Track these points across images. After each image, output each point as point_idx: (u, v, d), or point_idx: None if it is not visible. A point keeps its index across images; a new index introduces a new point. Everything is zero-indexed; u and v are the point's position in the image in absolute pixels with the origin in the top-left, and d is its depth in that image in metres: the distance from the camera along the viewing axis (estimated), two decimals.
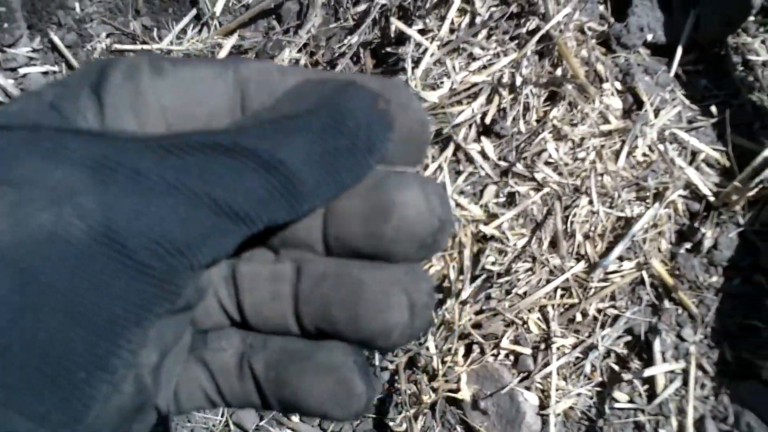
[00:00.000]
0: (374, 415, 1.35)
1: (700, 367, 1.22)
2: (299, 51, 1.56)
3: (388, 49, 1.45)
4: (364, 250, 0.29)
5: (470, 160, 1.29)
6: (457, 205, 1.26)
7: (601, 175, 1.26)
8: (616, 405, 1.22)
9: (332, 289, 0.29)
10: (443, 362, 1.27)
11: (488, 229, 1.24)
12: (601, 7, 1.43)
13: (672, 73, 1.38)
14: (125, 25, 1.62)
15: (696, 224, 1.29)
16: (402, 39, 1.43)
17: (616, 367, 1.24)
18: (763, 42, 1.38)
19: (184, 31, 1.64)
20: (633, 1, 1.40)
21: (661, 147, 1.29)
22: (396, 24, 1.41)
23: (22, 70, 1.58)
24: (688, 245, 1.29)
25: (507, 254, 1.24)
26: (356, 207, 0.29)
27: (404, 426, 1.27)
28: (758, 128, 1.34)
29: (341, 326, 0.30)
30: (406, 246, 0.29)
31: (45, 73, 1.59)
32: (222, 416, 1.40)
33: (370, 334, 0.29)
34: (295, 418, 1.38)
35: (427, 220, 0.29)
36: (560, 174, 1.25)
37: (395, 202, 0.28)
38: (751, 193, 1.27)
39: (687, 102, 1.37)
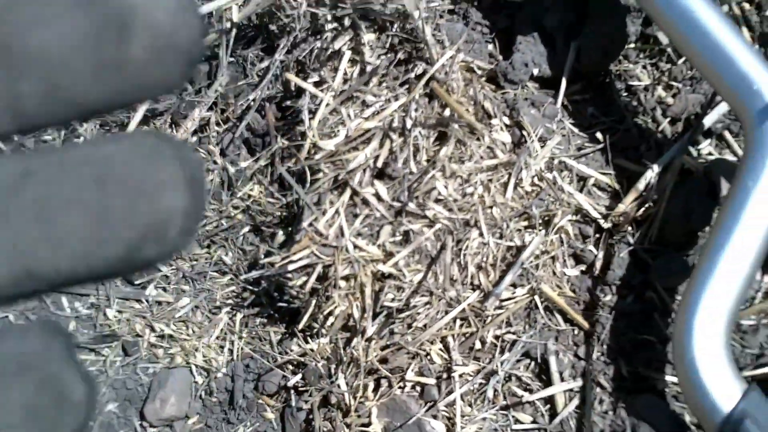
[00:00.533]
0: None
1: (597, 383, 1.27)
2: (209, 109, 1.63)
3: (288, 102, 1.52)
4: (95, 99, 0.19)
5: (366, 203, 1.35)
6: (356, 246, 1.32)
7: (490, 207, 1.32)
8: (520, 426, 1.28)
9: (51, 183, 0.19)
10: (354, 398, 1.32)
11: (386, 268, 1.30)
12: (490, 47, 1.51)
13: (559, 104, 1.44)
14: None
15: (589, 247, 1.36)
16: (301, 92, 1.50)
17: (518, 390, 1.29)
18: (644, 67, 1.45)
19: None
20: (517, 38, 1.47)
21: (549, 175, 1.36)
22: (291, 78, 1.48)
23: None
24: (582, 267, 1.35)
25: (404, 290, 1.30)
26: (71, 32, 0.18)
27: None
28: (644, 150, 1.40)
29: (75, 239, 0.19)
30: (170, 66, 0.19)
31: None
32: None
33: (134, 237, 0.19)
34: None
35: (187, 21, 0.19)
36: (450, 210, 1.31)
37: (134, 5, 0.19)
38: (638, 213, 1.34)
39: (575, 130, 1.44)
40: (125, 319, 1.57)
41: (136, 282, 1.59)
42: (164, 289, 1.58)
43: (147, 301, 1.58)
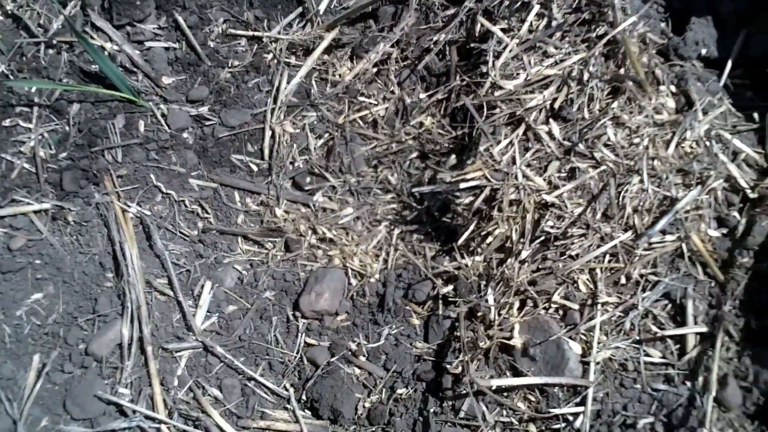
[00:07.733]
0: (433, 359, 1.52)
1: (726, 332, 1.38)
2: (392, 46, 1.78)
3: (473, 44, 1.66)
4: None
5: (538, 138, 1.47)
6: (524, 176, 1.45)
7: (653, 159, 1.44)
8: (650, 359, 1.38)
9: None
10: (499, 314, 1.45)
11: (550, 198, 1.42)
12: (663, 24, 1.63)
13: (721, 83, 1.56)
14: (240, 14, 1.85)
15: (733, 212, 1.46)
16: (485, 37, 1.64)
17: (653, 327, 1.40)
18: None
19: (290, 24, 1.86)
20: (691, 18, 1.59)
21: (707, 142, 1.47)
22: (482, 21, 1.62)
23: (147, 44, 1.82)
24: (724, 230, 1.46)
25: (564, 219, 1.42)
26: None
27: (459, 369, 1.44)
28: None
29: None
30: None
31: (167, 49, 1.82)
32: (297, 352, 1.59)
33: None
34: (362, 357, 1.56)
35: None
36: (617, 155, 1.43)
37: None
38: None
39: (733, 109, 1.55)
40: (291, 219, 1.71)
41: (306, 188, 1.74)
42: (330, 198, 1.73)
43: (313, 206, 1.73)
